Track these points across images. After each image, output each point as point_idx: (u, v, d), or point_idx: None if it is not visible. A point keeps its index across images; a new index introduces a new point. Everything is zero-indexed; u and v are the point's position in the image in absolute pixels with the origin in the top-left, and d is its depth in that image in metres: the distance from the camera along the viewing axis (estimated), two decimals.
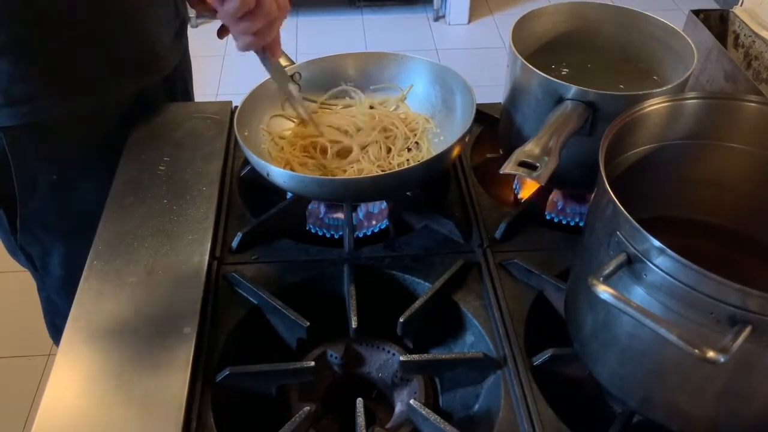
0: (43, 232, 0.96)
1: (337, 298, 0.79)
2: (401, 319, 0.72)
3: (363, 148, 0.87)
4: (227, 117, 0.99)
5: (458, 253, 0.81)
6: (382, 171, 0.83)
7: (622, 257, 0.54)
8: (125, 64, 0.94)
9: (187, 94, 1.13)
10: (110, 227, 0.81)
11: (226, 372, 0.68)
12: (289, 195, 0.86)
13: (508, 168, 0.66)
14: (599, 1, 0.89)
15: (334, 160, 0.86)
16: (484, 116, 0.99)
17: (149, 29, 0.96)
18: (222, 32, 1.02)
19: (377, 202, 0.86)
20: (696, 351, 0.47)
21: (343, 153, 0.87)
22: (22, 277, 1.04)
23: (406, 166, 0.83)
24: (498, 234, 0.82)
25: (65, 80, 0.88)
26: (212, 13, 1.00)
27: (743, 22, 1.02)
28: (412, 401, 0.67)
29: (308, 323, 0.73)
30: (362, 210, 0.86)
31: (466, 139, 0.80)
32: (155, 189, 0.86)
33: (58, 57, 0.86)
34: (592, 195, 0.63)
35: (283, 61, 0.93)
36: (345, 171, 0.84)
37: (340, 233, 0.85)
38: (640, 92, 0.72)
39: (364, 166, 0.84)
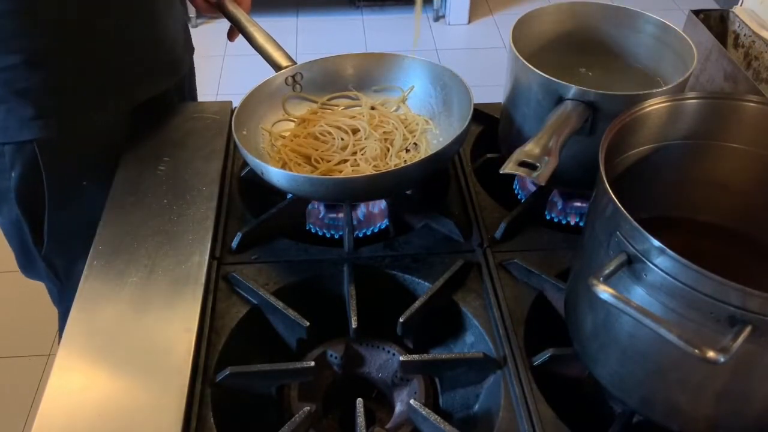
0: (71, 239, 0.95)
1: (337, 298, 0.79)
2: (401, 319, 0.72)
3: (361, 149, 0.87)
4: (227, 117, 0.99)
5: (458, 252, 0.81)
6: (377, 171, 0.83)
7: (622, 257, 0.54)
8: (154, 68, 0.95)
9: (192, 92, 1.14)
10: (110, 227, 0.82)
11: (226, 372, 0.67)
12: (289, 195, 0.86)
13: (508, 168, 0.66)
14: (599, 1, 0.89)
15: (331, 161, 0.86)
16: (484, 116, 0.99)
17: (169, 30, 0.97)
18: (232, 34, 1.02)
19: (377, 202, 0.86)
20: (696, 351, 0.47)
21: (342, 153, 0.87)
22: (22, 276, 1.04)
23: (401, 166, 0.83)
24: (498, 234, 0.82)
25: (97, 88, 0.88)
26: (214, 13, 1.01)
27: (743, 22, 1.02)
28: (412, 401, 0.67)
29: (308, 323, 0.72)
30: (362, 210, 0.86)
31: (463, 140, 0.80)
32: (155, 189, 0.86)
33: (90, 66, 0.87)
34: (592, 195, 0.63)
35: (284, 61, 0.93)
36: (341, 171, 0.84)
37: (340, 233, 0.85)
38: (640, 92, 0.72)
39: (361, 166, 0.84)
